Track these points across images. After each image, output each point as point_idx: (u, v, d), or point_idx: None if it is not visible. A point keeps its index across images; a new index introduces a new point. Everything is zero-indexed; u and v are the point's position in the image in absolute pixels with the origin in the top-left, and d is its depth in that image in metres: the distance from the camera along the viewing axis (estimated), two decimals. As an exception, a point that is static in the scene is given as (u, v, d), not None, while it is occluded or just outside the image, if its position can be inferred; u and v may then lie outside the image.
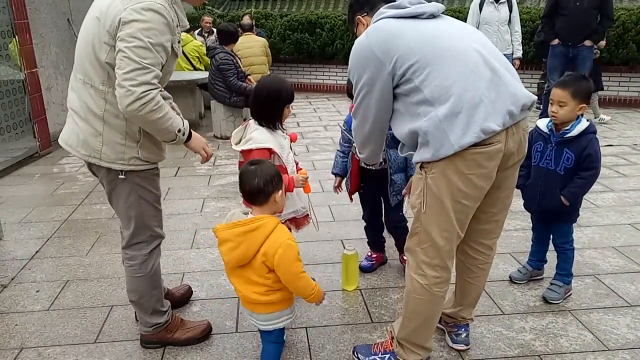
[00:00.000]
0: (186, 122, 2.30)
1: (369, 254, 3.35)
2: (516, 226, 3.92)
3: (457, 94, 1.90)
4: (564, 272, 2.98)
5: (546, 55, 7.30)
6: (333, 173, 3.23)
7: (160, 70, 2.11)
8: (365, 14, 2.30)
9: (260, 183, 2.07)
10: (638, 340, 2.57)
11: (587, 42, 6.28)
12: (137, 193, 2.33)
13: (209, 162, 5.34)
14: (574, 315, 2.81)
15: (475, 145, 1.91)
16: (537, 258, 3.16)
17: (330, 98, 9.64)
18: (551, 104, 2.73)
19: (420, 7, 2.08)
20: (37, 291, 3.16)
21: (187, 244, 3.75)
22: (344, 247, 3.06)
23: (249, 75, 6.78)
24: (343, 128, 3.13)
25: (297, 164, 2.87)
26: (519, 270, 3.19)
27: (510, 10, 6.43)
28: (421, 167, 2.05)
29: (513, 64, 6.58)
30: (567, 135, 2.74)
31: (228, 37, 6.59)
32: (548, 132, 2.81)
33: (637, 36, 8.14)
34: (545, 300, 2.95)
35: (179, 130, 2.23)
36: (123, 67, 2.01)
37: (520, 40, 6.58)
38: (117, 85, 2.04)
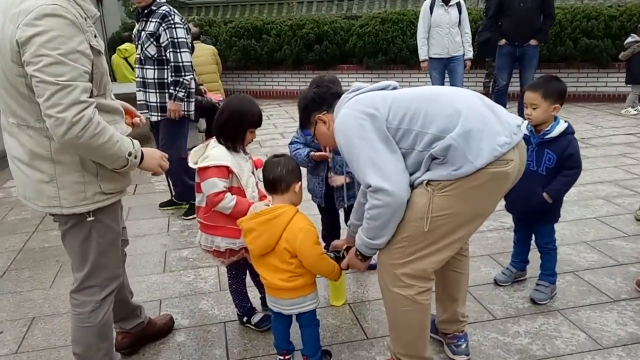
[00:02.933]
0: (136, 143, 2.01)
1: None
2: (489, 226, 3.96)
3: (464, 115, 1.92)
4: (549, 272, 3.01)
5: (489, 54, 7.53)
6: (306, 158, 2.98)
7: (90, 80, 1.83)
8: (324, 111, 2.30)
9: (283, 171, 2.24)
10: (629, 337, 2.62)
11: (533, 42, 6.50)
12: (98, 232, 2.04)
13: (164, 178, 5.12)
14: (564, 315, 2.84)
15: (493, 164, 1.90)
16: (520, 259, 3.18)
17: (281, 104, 9.53)
18: (525, 107, 2.79)
19: (382, 83, 2.20)
20: (1, 332, 2.88)
21: (158, 268, 3.54)
22: None
23: (201, 85, 6.55)
24: (297, 135, 3.10)
25: (260, 192, 2.72)
26: (503, 273, 3.20)
27: (460, 12, 6.56)
28: (427, 183, 1.98)
29: (464, 65, 6.72)
30: (548, 137, 2.78)
31: None
32: (528, 134, 2.84)
33: (573, 34, 8.52)
34: (533, 301, 2.96)
35: (130, 154, 1.94)
36: (42, 94, 1.71)
37: (471, 42, 6.72)
38: (44, 116, 1.74)
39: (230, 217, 2.48)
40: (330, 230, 3.27)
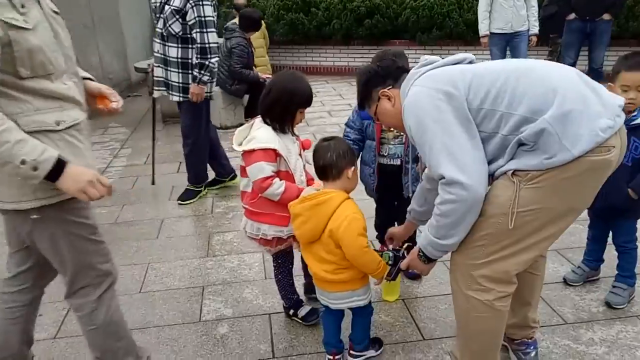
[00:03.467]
0: (49, 153, 1.62)
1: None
2: (555, 218, 3.64)
3: (561, 93, 1.64)
4: (628, 274, 2.71)
5: (554, 30, 7.00)
6: None
7: (10, 60, 1.58)
8: (389, 86, 2.02)
9: (334, 156, 2.08)
10: None
11: (606, 16, 5.99)
12: (62, 228, 1.80)
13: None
14: (644, 322, 2.55)
15: (593, 152, 1.63)
16: (594, 257, 2.87)
17: (329, 81, 9.24)
18: (625, 90, 2.39)
19: (457, 56, 1.93)
20: (40, 315, 2.74)
21: (202, 252, 3.41)
22: (380, 250, 2.74)
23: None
24: (353, 118, 2.79)
25: (308, 175, 2.54)
26: (573, 271, 2.91)
27: (526, -16, 6.08)
28: (513, 174, 1.72)
29: (529, 40, 6.26)
30: (634, 122, 2.44)
31: (250, 23, 6.18)
32: None
33: (648, 8, 7.88)
34: (608, 305, 2.67)
35: (24, 162, 1.57)
36: None
37: (537, 16, 6.24)
38: None
39: (278, 204, 2.31)
40: (383, 219, 3.04)
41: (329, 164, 2.09)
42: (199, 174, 4.30)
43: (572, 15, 6.10)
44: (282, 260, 2.59)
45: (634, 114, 2.45)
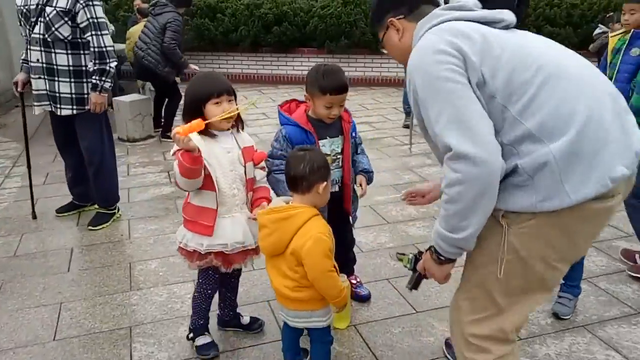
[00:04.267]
0: None
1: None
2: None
3: (579, 125, 1.39)
4: (575, 284, 2.76)
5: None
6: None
7: None
8: (401, 16, 1.69)
9: (306, 169, 1.96)
10: (669, 356, 2.39)
11: (508, 28, 6.29)
12: None
13: (121, 171, 4.50)
14: (591, 332, 2.59)
15: (596, 198, 1.41)
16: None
17: (238, 89, 8.87)
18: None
19: (494, 13, 1.59)
20: None
21: (124, 285, 3.01)
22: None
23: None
24: (280, 146, 2.44)
25: (261, 192, 2.36)
26: (518, 284, 2.92)
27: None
28: (503, 215, 1.50)
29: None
30: None
31: None
32: None
33: (537, 21, 8.57)
34: (556, 315, 2.70)
35: None
36: None
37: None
38: None
39: (202, 212, 2.20)
40: None
41: (300, 175, 1.97)
42: (110, 194, 3.85)
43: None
44: (203, 280, 2.36)
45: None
